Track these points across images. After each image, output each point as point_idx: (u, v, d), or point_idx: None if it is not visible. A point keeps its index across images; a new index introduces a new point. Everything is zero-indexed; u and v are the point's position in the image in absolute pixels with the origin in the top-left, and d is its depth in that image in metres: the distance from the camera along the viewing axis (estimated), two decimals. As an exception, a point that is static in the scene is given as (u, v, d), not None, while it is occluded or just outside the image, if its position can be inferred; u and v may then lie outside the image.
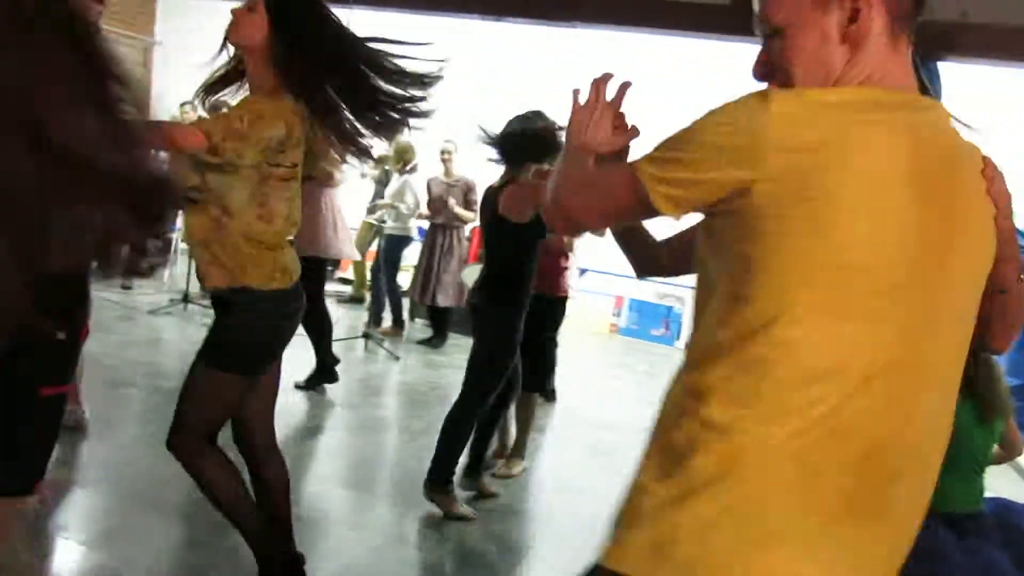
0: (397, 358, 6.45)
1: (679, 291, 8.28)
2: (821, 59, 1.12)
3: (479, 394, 3.59)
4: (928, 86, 1.36)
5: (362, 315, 7.27)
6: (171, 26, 10.79)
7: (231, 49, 2.48)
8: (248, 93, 2.41)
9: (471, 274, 5.16)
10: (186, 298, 6.62)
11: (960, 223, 1.10)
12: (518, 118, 3.58)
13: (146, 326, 6.20)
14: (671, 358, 7.60)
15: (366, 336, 6.56)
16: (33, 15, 0.74)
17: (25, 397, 1.60)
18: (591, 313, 8.59)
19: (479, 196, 6.50)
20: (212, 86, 2.54)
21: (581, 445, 4.98)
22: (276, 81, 2.31)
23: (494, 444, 4.23)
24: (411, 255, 7.25)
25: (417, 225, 7.23)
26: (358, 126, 2.40)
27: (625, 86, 1.41)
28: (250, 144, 2.20)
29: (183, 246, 6.80)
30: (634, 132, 1.41)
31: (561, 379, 5.55)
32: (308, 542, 2.93)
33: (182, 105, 8.44)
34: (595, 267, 8.67)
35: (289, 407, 4.41)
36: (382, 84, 2.34)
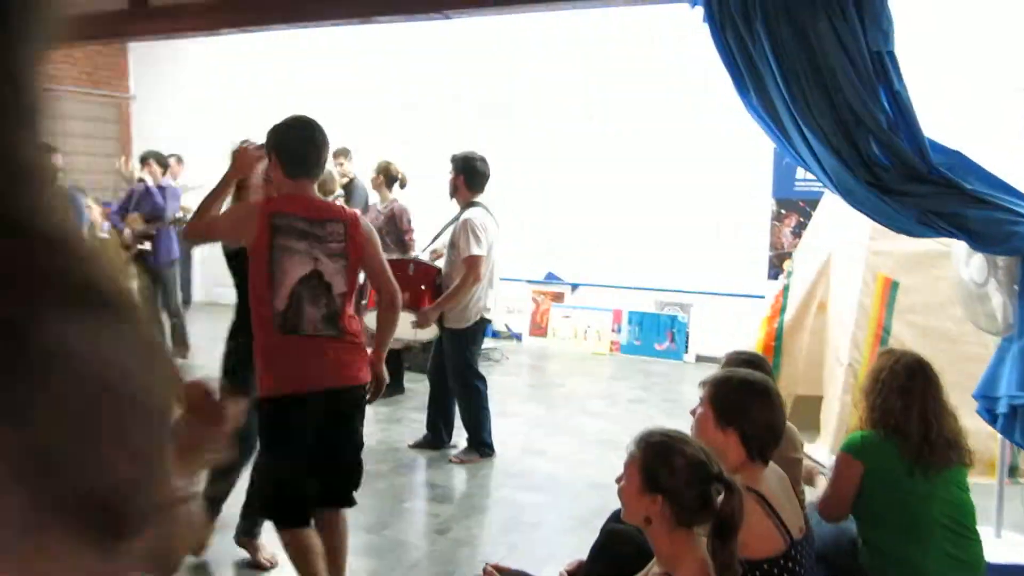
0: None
1: (682, 297, 8.11)
2: None
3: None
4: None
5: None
6: (143, 80, 10.72)
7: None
8: None
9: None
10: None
11: None
12: None
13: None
14: (670, 376, 7.45)
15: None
16: None
17: None
18: (589, 332, 8.40)
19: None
20: None
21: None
22: None
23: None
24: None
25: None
26: None
27: None
28: None
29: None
30: None
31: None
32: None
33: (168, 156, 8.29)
34: (587, 280, 8.50)
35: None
36: None
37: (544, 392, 6.82)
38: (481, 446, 4.98)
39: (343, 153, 7.23)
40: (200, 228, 3.12)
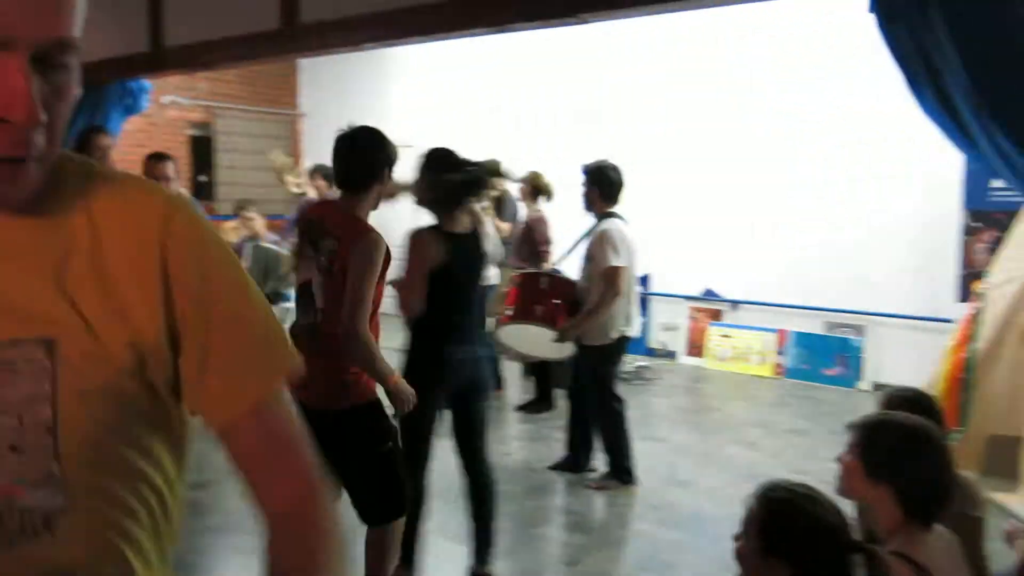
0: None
1: (855, 319, 7.43)
2: None
3: None
4: None
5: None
6: (313, 98, 11.22)
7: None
8: None
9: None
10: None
11: None
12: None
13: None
14: (839, 405, 6.78)
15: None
16: None
17: None
18: (750, 353, 7.86)
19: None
20: None
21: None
22: None
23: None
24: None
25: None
26: None
27: None
28: None
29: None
30: None
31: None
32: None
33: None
34: (749, 297, 7.98)
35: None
36: None
37: (696, 417, 6.41)
38: (621, 473, 4.69)
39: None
40: None
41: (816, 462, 5.17)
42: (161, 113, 9.66)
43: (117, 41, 6.69)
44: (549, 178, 6.45)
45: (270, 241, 7.76)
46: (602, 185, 4.65)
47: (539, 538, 4.05)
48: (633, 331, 4.71)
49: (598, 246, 4.51)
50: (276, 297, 7.79)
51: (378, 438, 2.87)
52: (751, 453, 5.38)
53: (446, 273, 3.13)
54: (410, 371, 3.10)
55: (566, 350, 4.77)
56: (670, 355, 8.39)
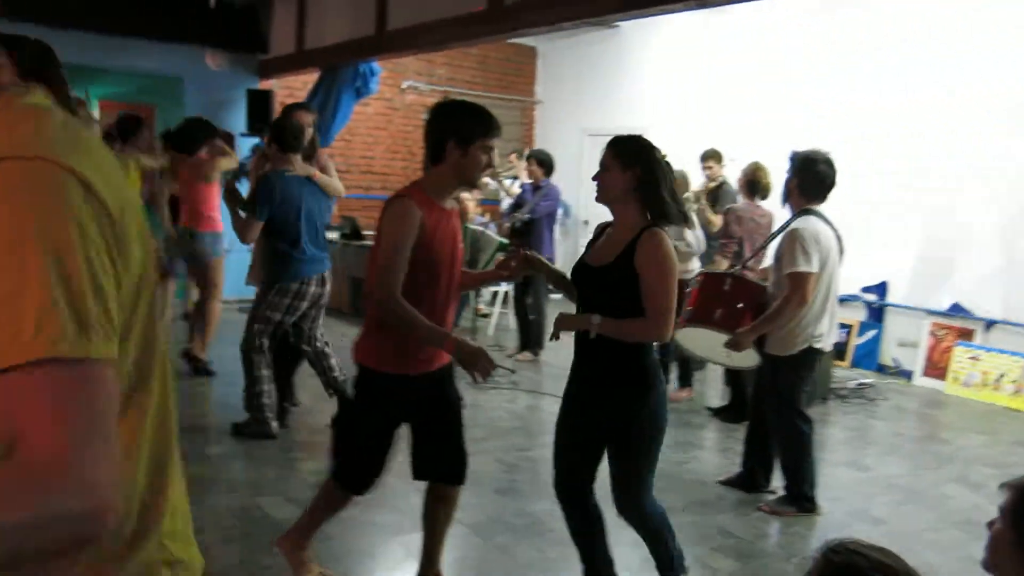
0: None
1: None
2: None
3: None
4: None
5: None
6: (549, 87, 11.27)
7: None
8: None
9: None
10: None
11: None
12: None
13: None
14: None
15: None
16: None
17: None
18: (1003, 381, 6.73)
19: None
20: None
21: None
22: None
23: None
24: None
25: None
26: None
27: None
28: None
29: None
30: None
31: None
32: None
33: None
34: (1009, 317, 6.83)
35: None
36: None
37: (916, 446, 5.56)
38: (799, 498, 4.16)
39: (712, 156, 6.71)
40: None
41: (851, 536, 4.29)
42: (400, 98, 10.18)
43: (348, 25, 7.09)
44: (769, 174, 5.80)
45: (477, 223, 7.88)
46: (804, 177, 4.12)
47: (689, 559, 3.67)
48: (825, 344, 4.13)
49: (787, 247, 4.01)
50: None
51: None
52: (972, 496, 4.56)
53: None
54: None
55: (749, 358, 4.32)
56: (904, 375, 7.42)
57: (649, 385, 2.83)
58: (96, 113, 8.06)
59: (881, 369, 7.60)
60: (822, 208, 4.16)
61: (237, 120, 8.53)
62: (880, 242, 7.51)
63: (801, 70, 8.14)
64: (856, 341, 7.76)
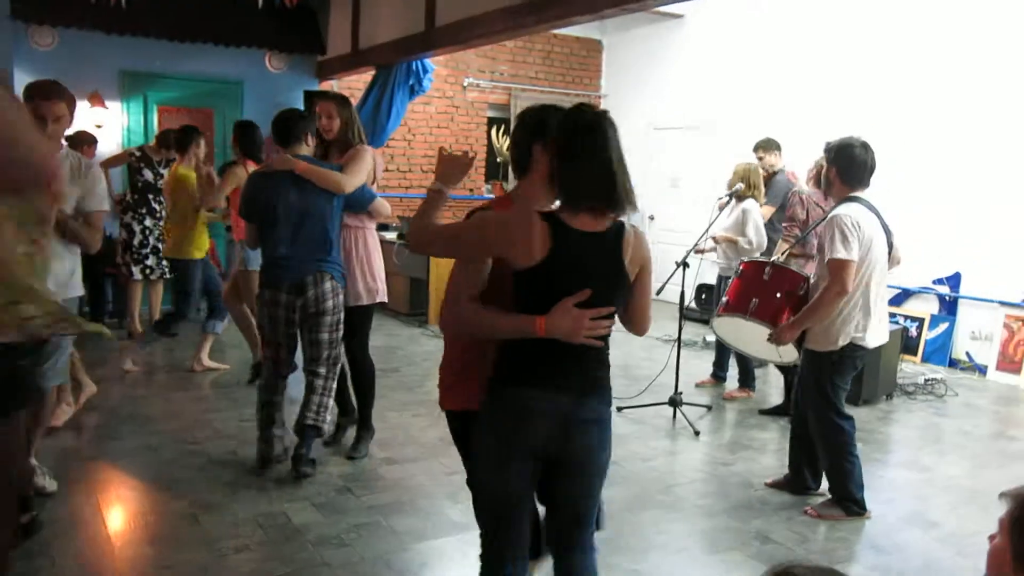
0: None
1: None
2: None
3: None
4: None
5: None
6: (614, 81, 11.13)
7: None
8: None
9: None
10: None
11: None
12: None
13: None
14: None
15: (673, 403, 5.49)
16: None
17: None
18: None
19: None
20: None
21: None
22: None
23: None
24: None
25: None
26: None
27: None
28: None
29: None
30: None
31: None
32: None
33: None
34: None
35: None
36: None
37: (983, 446, 5.25)
38: (846, 502, 4.00)
39: (762, 146, 6.50)
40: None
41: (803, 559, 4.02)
42: (462, 96, 10.21)
43: (400, 23, 7.15)
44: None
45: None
46: (841, 164, 3.96)
47: (715, 565, 3.57)
48: (869, 340, 3.93)
49: (826, 234, 3.85)
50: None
51: None
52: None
53: None
54: None
55: (789, 354, 4.18)
56: (978, 369, 7.06)
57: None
58: (155, 117, 8.38)
59: (954, 364, 7.25)
60: (867, 195, 3.99)
61: (297, 121, 8.72)
62: (953, 232, 7.18)
63: (869, 56, 7.81)
64: (928, 335, 7.42)
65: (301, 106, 8.62)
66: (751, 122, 8.25)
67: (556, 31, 10.67)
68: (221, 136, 8.66)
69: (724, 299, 4.36)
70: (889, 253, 4.02)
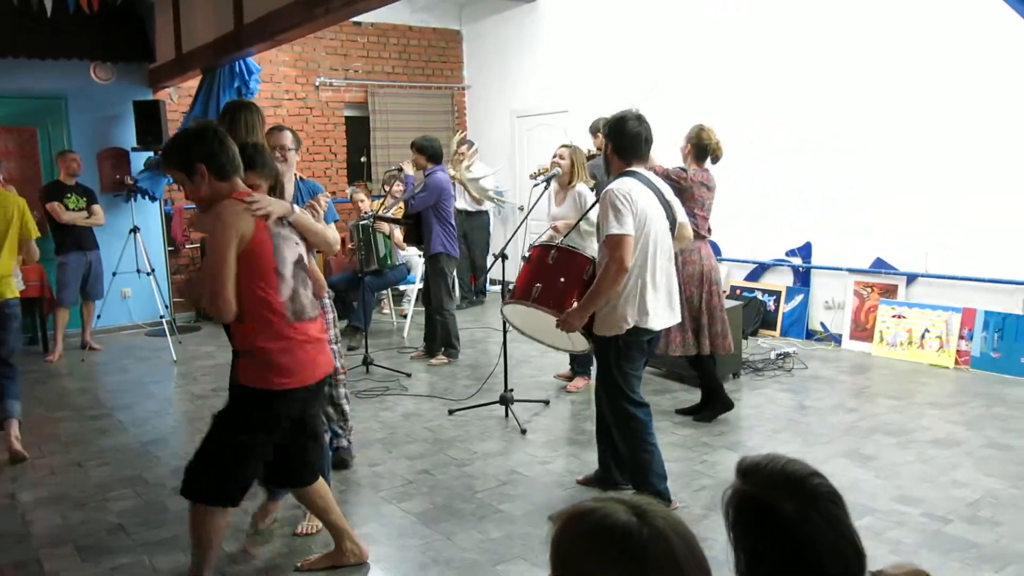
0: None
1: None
2: None
3: None
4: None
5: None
6: (476, 71, 10.87)
7: None
8: None
9: None
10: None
11: None
12: None
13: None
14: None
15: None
16: None
17: None
18: (928, 338, 6.32)
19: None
20: None
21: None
22: None
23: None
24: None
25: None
26: None
27: None
28: None
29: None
30: None
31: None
32: None
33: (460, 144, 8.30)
34: (929, 270, 6.41)
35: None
36: None
37: (817, 420, 5.09)
38: (647, 492, 3.79)
39: (595, 128, 6.29)
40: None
41: (939, 488, 3.93)
42: (315, 96, 9.82)
43: (213, 23, 6.76)
44: (716, 134, 5.24)
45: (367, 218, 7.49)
46: (616, 139, 3.74)
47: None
48: (655, 322, 3.71)
49: (601, 210, 3.63)
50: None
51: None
52: (857, 471, 4.17)
53: None
54: None
55: (581, 342, 3.95)
56: (834, 339, 7.00)
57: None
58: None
59: (811, 336, 7.18)
60: (643, 169, 3.78)
61: (128, 134, 8.24)
62: (803, 202, 7.11)
63: (729, 40, 7.70)
64: (784, 308, 7.35)
65: (131, 116, 8.13)
66: (609, 109, 8.05)
67: (411, 23, 10.38)
68: (47, 155, 8.12)
69: (511, 285, 4.12)
70: (672, 229, 3.82)
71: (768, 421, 5.12)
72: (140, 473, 4.55)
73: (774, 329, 7.33)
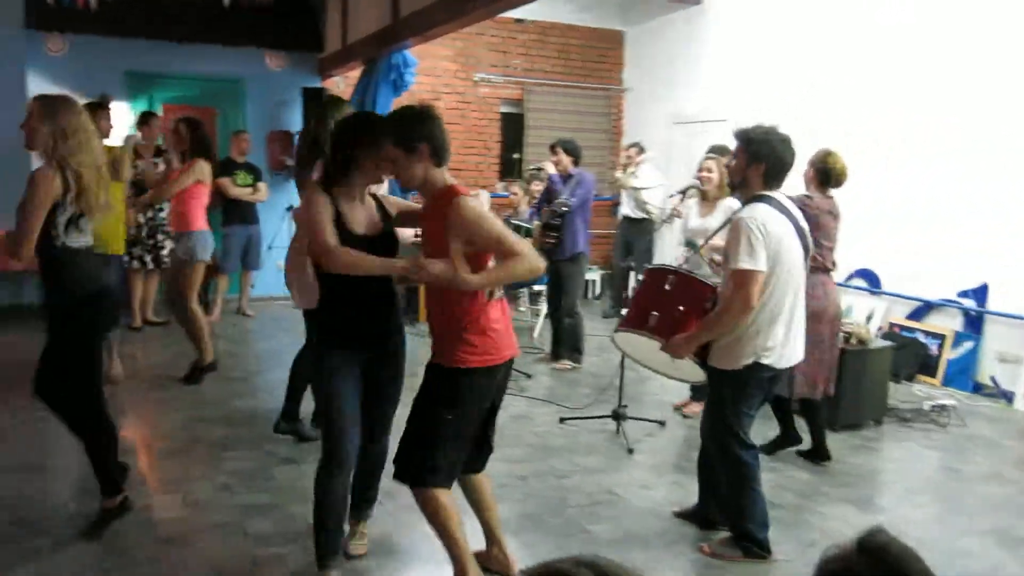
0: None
1: None
2: None
3: None
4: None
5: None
6: (637, 73, 10.61)
7: None
8: None
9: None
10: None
11: None
12: None
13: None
14: None
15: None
16: None
17: None
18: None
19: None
20: None
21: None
22: None
23: None
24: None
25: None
26: None
27: None
28: None
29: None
30: None
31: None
32: None
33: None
34: None
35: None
36: None
37: (964, 487, 4.48)
38: (745, 540, 3.48)
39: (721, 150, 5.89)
40: None
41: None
42: (473, 91, 9.91)
43: (375, 16, 6.94)
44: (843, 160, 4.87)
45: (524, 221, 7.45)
46: (771, 159, 3.37)
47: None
48: (781, 359, 3.39)
49: (731, 240, 3.35)
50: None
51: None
52: (999, 554, 3.65)
53: None
54: None
55: (694, 372, 3.68)
56: (1005, 397, 6.24)
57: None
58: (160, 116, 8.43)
59: (978, 389, 6.45)
60: (779, 195, 3.46)
61: (295, 118, 8.69)
62: (981, 240, 6.38)
63: (907, 52, 7.06)
64: (950, 355, 6.64)
65: (300, 102, 8.54)
66: (769, 117, 7.60)
67: (573, 23, 10.25)
68: (224, 134, 8.66)
69: (624, 312, 3.89)
70: (806, 257, 3.48)
71: (906, 479, 4.61)
72: (258, 437, 4.71)
73: (934, 376, 6.64)
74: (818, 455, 4.72)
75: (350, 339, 3.00)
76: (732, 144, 3.62)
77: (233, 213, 7.91)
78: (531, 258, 2.73)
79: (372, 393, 3.10)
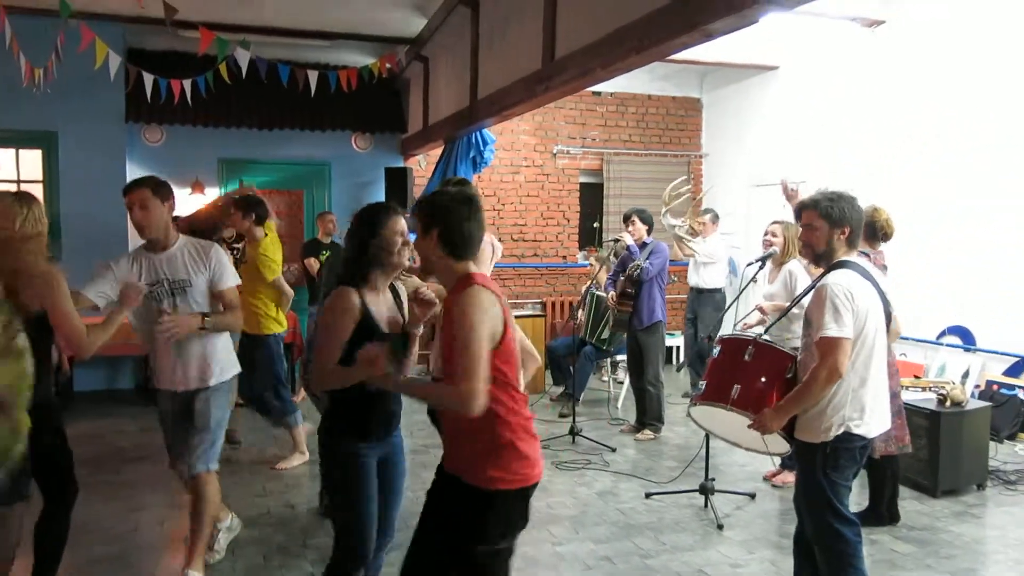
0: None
1: None
2: None
3: None
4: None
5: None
6: (714, 138, 10.67)
7: None
8: None
9: None
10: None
11: None
12: None
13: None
14: None
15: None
16: None
17: None
18: None
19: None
20: None
21: None
22: None
23: None
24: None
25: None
26: None
27: None
28: None
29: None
30: None
31: None
32: None
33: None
34: None
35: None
36: None
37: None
38: (843, 623, 3.35)
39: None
40: None
41: None
42: (552, 163, 10.12)
43: (454, 99, 7.24)
44: (887, 213, 4.93)
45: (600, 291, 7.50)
46: (854, 222, 3.37)
47: None
48: (871, 428, 3.31)
49: (815, 305, 3.31)
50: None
51: None
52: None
53: None
54: None
55: (777, 444, 3.61)
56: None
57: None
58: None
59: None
60: (859, 258, 3.43)
61: (378, 197, 9.00)
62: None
63: (981, 109, 6.95)
64: (1061, 414, 6.30)
65: (382, 181, 8.89)
66: (845, 179, 7.52)
67: (652, 92, 10.41)
68: (310, 214, 9.06)
69: (701, 384, 3.84)
70: (888, 324, 3.42)
71: (1013, 548, 4.37)
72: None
73: (1041, 437, 6.31)
74: (891, 516, 4.65)
75: (372, 425, 2.91)
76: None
77: (319, 293, 8.19)
78: (467, 397, 2.34)
79: (386, 489, 2.99)
